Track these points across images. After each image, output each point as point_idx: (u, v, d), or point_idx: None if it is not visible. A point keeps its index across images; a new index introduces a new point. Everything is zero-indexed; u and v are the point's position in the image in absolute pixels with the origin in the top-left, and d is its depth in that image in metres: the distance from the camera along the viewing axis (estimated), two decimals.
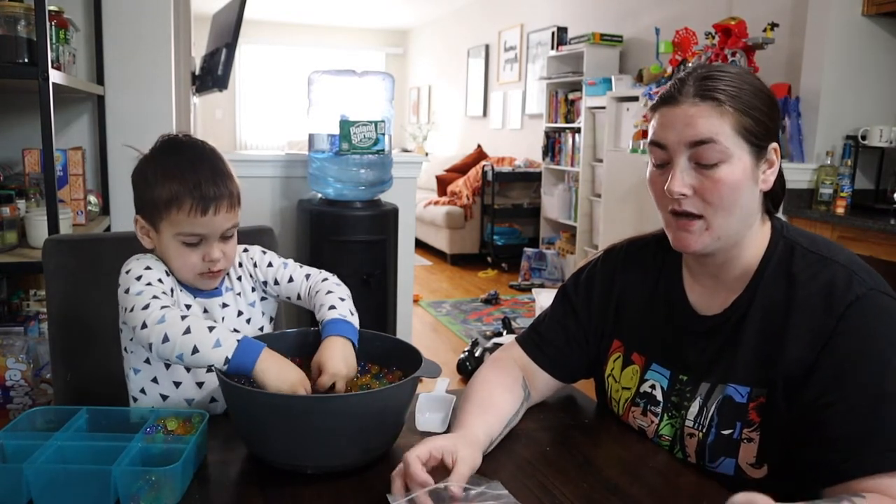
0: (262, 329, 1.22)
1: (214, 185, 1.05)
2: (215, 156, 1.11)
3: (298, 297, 1.20)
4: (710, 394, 1.00)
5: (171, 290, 1.10)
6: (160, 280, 1.07)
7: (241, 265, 1.20)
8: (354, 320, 1.12)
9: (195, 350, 0.95)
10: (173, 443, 0.91)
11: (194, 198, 1.04)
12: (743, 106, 0.94)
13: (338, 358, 1.04)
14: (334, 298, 1.14)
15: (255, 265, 1.21)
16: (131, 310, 1.00)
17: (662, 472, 0.99)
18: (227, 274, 1.18)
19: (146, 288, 1.03)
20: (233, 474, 0.96)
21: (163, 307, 0.99)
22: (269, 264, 1.21)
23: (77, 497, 0.84)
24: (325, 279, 1.20)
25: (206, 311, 1.15)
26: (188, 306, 1.13)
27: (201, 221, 1.05)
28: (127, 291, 1.03)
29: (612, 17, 5.39)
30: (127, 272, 1.07)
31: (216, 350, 0.95)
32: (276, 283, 1.21)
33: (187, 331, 0.96)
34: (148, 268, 1.07)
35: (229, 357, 0.95)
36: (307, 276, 1.21)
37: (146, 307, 0.99)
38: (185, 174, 1.05)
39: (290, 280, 1.20)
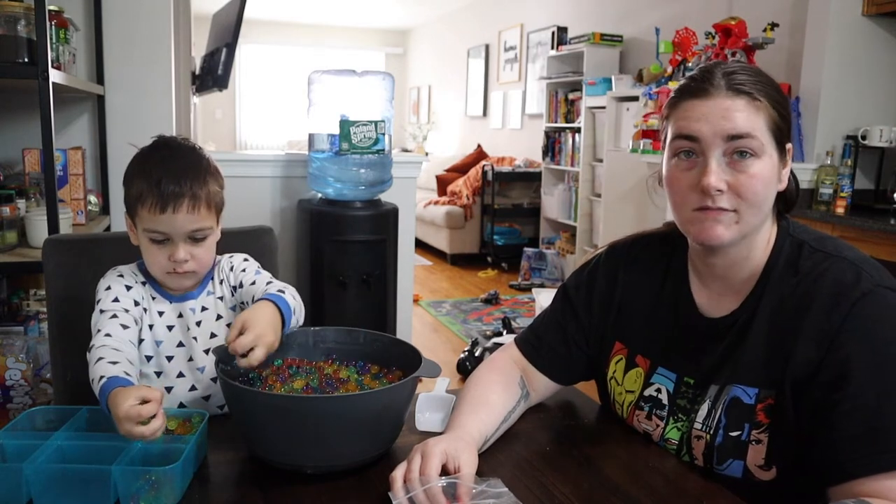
0: None
1: (176, 183, 1.05)
2: (194, 157, 1.10)
3: (253, 300, 1.11)
4: (718, 395, 0.99)
5: (140, 299, 1.12)
6: (116, 299, 1.10)
7: (222, 269, 1.20)
8: (297, 310, 1.07)
9: (92, 383, 0.95)
10: (173, 443, 0.91)
11: (154, 195, 1.05)
12: (773, 102, 0.94)
13: (265, 321, 0.97)
14: (276, 291, 1.09)
15: (231, 268, 1.19)
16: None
17: (663, 471, 0.99)
18: (211, 277, 1.18)
19: (99, 316, 1.08)
20: (233, 474, 0.96)
21: (101, 341, 1.02)
22: (244, 270, 1.19)
23: (77, 497, 0.84)
24: (284, 287, 1.12)
25: (181, 315, 1.15)
26: (161, 313, 1.14)
27: (161, 219, 1.06)
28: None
29: (612, 17, 5.39)
30: (96, 292, 1.11)
31: (95, 389, 0.94)
32: (241, 285, 1.17)
33: (94, 362, 0.97)
34: (108, 287, 1.11)
35: (98, 397, 0.93)
36: (269, 283, 1.15)
37: (94, 336, 1.04)
38: (151, 172, 1.06)
39: (253, 283, 1.16)
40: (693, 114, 0.94)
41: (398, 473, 0.87)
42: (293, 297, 1.09)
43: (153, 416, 0.86)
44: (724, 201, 0.94)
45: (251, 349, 0.95)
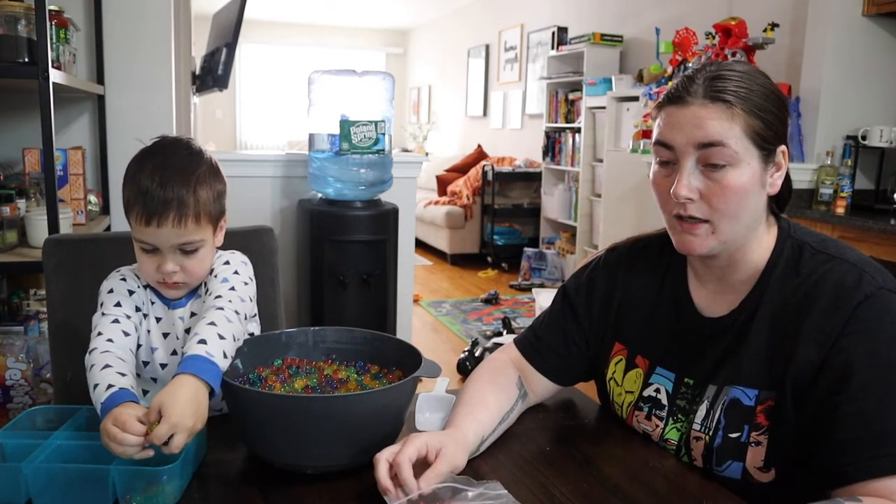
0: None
1: (162, 196, 1.00)
2: (188, 164, 1.04)
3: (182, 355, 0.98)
4: (717, 396, 0.99)
5: (141, 304, 1.11)
6: (118, 304, 1.07)
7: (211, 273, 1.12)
8: (222, 365, 0.94)
9: (93, 388, 0.94)
10: None
11: (139, 205, 1.01)
12: (753, 108, 0.92)
13: (183, 403, 0.86)
14: (211, 333, 0.96)
15: (213, 274, 1.11)
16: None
17: (663, 472, 0.99)
18: (205, 283, 1.11)
19: (100, 318, 1.06)
20: (233, 474, 0.96)
21: (104, 346, 1.00)
22: (216, 276, 1.10)
23: (76, 496, 0.84)
24: (221, 308, 1.02)
25: (174, 323, 1.13)
26: (159, 319, 1.12)
27: (147, 231, 1.02)
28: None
29: (612, 17, 5.39)
30: (99, 293, 1.09)
31: (97, 394, 0.92)
32: (209, 293, 1.08)
33: (91, 368, 0.96)
34: (111, 290, 1.09)
35: (102, 403, 0.90)
36: (217, 297, 1.04)
37: (93, 338, 1.02)
38: (140, 180, 1.01)
39: (208, 293, 1.07)
40: (670, 121, 0.95)
41: (388, 483, 0.86)
42: (224, 337, 0.97)
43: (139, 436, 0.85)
44: (696, 210, 0.94)
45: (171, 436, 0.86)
